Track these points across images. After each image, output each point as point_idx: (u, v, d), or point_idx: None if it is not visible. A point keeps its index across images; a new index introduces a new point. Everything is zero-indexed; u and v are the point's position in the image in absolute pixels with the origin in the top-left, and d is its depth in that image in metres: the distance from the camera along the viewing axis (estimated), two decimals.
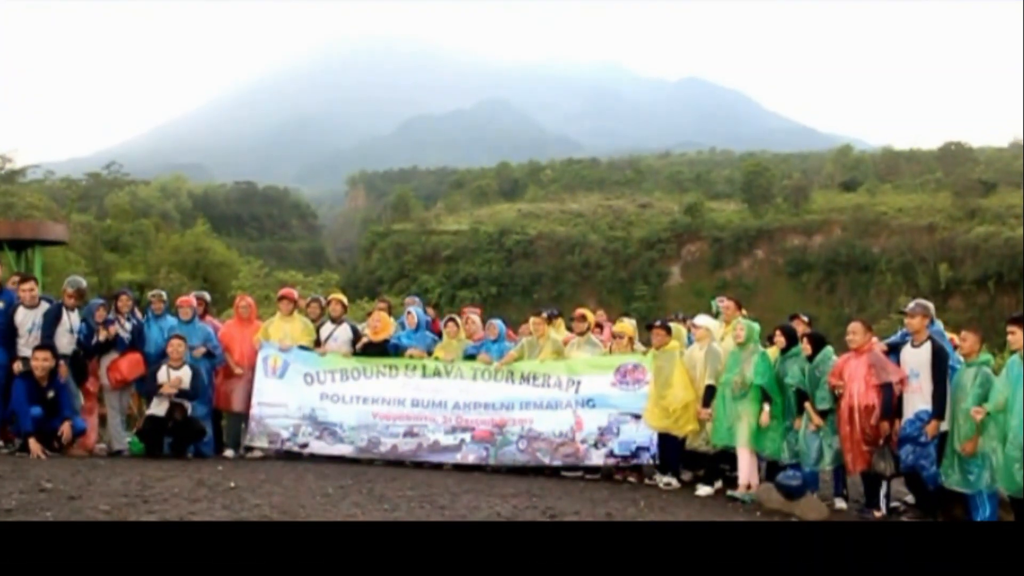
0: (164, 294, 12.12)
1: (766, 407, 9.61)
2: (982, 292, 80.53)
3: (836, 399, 9.26)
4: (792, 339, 9.85)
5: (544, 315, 11.72)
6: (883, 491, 9.06)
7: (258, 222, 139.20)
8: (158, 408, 10.75)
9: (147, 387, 10.95)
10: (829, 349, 9.67)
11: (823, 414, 9.32)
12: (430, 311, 13.37)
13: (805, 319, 10.92)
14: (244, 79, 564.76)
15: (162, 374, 10.78)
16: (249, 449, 11.63)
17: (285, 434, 11.40)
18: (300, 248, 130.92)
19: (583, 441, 10.78)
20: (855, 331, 9.31)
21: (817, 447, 9.40)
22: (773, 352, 10.01)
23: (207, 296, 12.83)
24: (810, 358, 9.59)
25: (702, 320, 10.81)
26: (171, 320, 11.64)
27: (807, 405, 9.47)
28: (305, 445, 11.35)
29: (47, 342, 10.31)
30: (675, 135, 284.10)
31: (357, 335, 11.82)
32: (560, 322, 12.42)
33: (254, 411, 11.47)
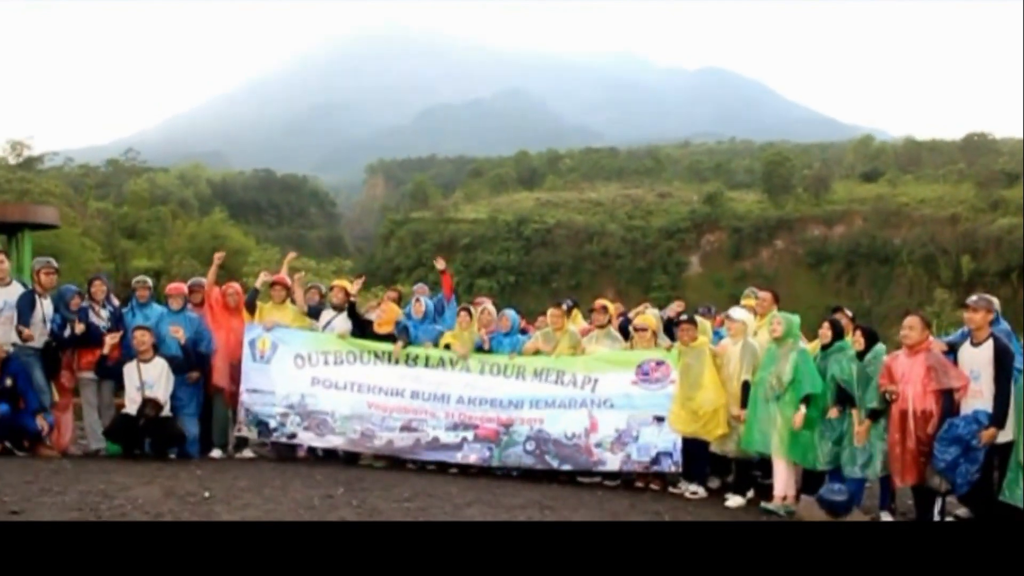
0: (149, 281, 11.14)
1: (802, 408, 8.53)
2: (1005, 284, 78.83)
3: (886, 402, 8.21)
4: (839, 333, 8.81)
5: (564, 306, 10.79)
6: (937, 507, 7.99)
7: (276, 210, 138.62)
8: (131, 405, 9.83)
9: (106, 373, 10.10)
10: (881, 347, 8.59)
11: (872, 416, 8.30)
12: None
13: (849, 314, 9.74)
14: (263, 67, 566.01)
15: (130, 368, 9.87)
16: (239, 447, 10.89)
17: (272, 423, 10.55)
18: (318, 236, 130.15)
19: (597, 444, 9.81)
20: (912, 327, 8.18)
21: (865, 452, 8.37)
22: (813, 348, 9.07)
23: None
24: (860, 355, 8.50)
25: (739, 313, 9.65)
26: (157, 309, 10.67)
27: (853, 412, 8.46)
28: (293, 436, 10.53)
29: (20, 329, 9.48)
30: (695, 124, 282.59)
31: (359, 326, 10.90)
32: (577, 313, 11.51)
33: (242, 398, 10.60)
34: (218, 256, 11.31)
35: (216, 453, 10.56)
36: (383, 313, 11.04)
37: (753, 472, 9.47)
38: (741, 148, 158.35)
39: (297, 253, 11.93)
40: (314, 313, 11.17)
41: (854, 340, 8.61)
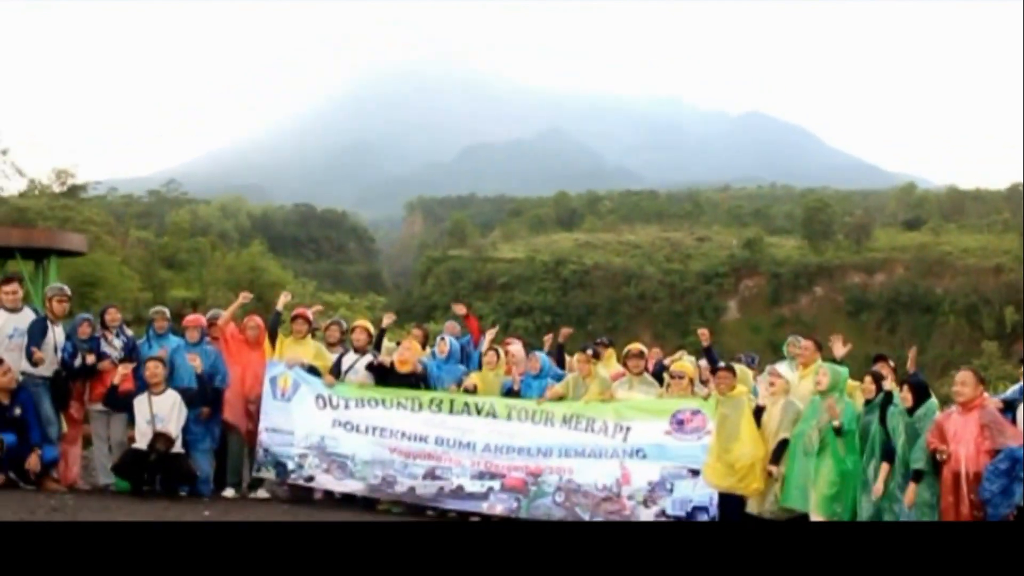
0: (167, 312, 10.92)
1: (884, 467, 8.00)
2: None
3: (936, 464, 7.69)
4: (881, 387, 8.33)
5: (588, 352, 10.25)
6: None
7: (316, 244, 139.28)
8: (141, 439, 9.45)
9: (117, 405, 9.76)
10: (934, 403, 8.09)
11: (915, 477, 7.77)
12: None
13: (891, 364, 9.27)
14: (307, 102, 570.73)
15: (141, 401, 9.52)
16: (254, 486, 10.44)
17: (291, 464, 10.15)
18: (356, 271, 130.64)
19: (630, 497, 9.28)
20: (964, 382, 7.66)
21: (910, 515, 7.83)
22: (856, 400, 8.60)
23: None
24: (910, 411, 7.99)
25: (784, 369, 9.29)
26: (174, 340, 10.36)
27: (883, 467, 7.98)
28: (311, 479, 10.14)
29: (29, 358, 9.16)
30: (735, 169, 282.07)
31: (381, 372, 10.45)
32: (611, 353, 11.08)
33: (261, 437, 10.23)
34: (244, 295, 11.11)
35: (229, 492, 10.20)
36: (404, 351, 10.53)
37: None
38: (781, 194, 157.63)
39: (323, 308, 11.39)
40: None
41: (901, 395, 8.11)
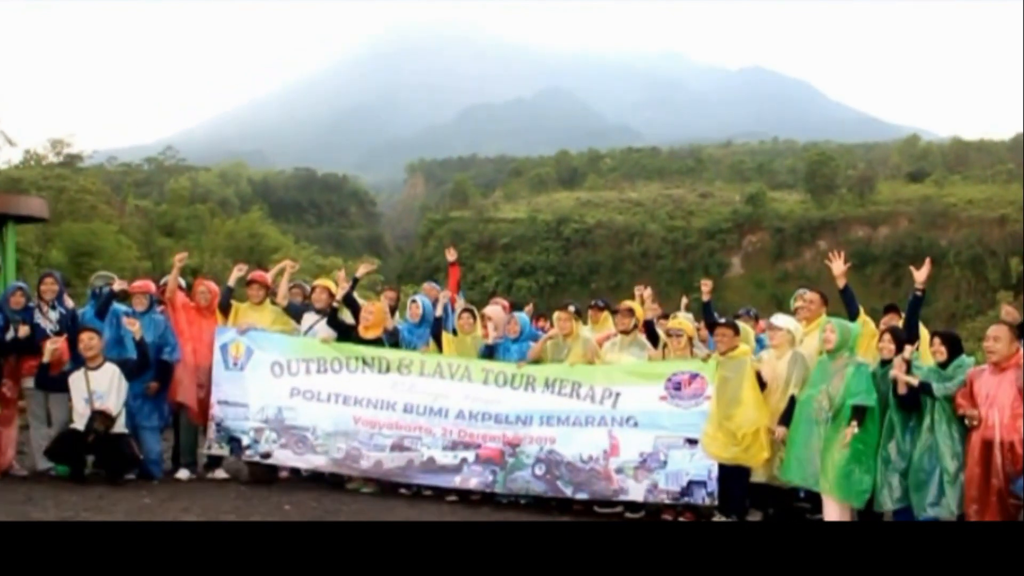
0: (112, 277, 9.93)
1: (853, 424, 7.18)
2: None
3: (965, 428, 6.85)
4: (901, 344, 7.45)
5: (570, 309, 9.24)
6: None
7: (317, 209, 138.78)
8: (78, 419, 8.62)
9: (49, 384, 8.89)
10: (968, 359, 7.19)
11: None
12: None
13: (903, 316, 8.30)
14: (305, 66, 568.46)
15: (77, 378, 8.67)
16: (211, 466, 9.63)
17: (245, 440, 9.29)
18: (358, 235, 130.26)
19: (619, 470, 8.45)
20: (998, 337, 6.75)
21: (936, 484, 6.99)
22: (870, 357, 7.79)
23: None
24: (942, 366, 7.13)
25: (782, 321, 8.30)
26: (119, 309, 9.46)
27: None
28: (268, 455, 9.27)
29: None
30: (737, 124, 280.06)
31: (343, 333, 9.58)
32: (606, 316, 10.09)
33: (213, 411, 9.39)
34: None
35: (183, 474, 9.41)
36: (369, 315, 9.59)
37: (800, 504, 8.21)
38: (784, 148, 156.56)
39: (296, 265, 10.42)
40: (295, 313, 9.91)
41: (932, 349, 7.30)
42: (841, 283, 8.28)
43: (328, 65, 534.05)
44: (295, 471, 9.60)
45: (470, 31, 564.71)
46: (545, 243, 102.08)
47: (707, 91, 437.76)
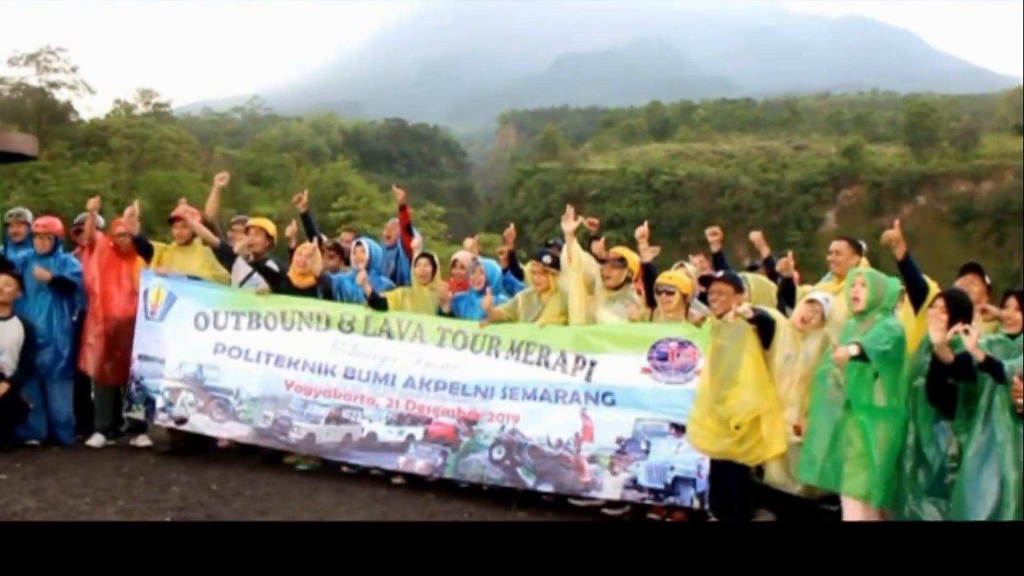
0: (27, 214, 8.79)
1: (849, 347, 5.50)
2: None
3: (1019, 417, 5.29)
4: (960, 312, 5.53)
5: (545, 259, 7.68)
6: None
7: (408, 159, 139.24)
8: None
9: None
10: None
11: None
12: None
13: (988, 280, 6.43)
14: (397, 16, 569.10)
15: None
16: (134, 431, 8.57)
17: (160, 401, 8.11)
18: (449, 185, 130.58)
19: (592, 459, 6.97)
20: None
21: (996, 490, 5.22)
22: (916, 328, 6.02)
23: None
24: (1013, 337, 5.57)
25: (821, 297, 6.43)
26: (26, 252, 8.51)
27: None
28: (183, 420, 8.07)
29: None
30: (835, 75, 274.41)
31: (273, 280, 8.23)
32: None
33: (133, 367, 8.23)
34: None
35: (96, 440, 8.43)
36: (303, 259, 8.25)
37: (824, 507, 6.55)
38: (884, 100, 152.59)
39: (226, 176, 9.25)
40: (227, 256, 8.54)
41: (1005, 315, 5.71)
42: (900, 253, 6.21)
43: (420, 15, 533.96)
44: (239, 443, 8.33)
45: None
46: (635, 195, 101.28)
47: (805, 40, 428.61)
